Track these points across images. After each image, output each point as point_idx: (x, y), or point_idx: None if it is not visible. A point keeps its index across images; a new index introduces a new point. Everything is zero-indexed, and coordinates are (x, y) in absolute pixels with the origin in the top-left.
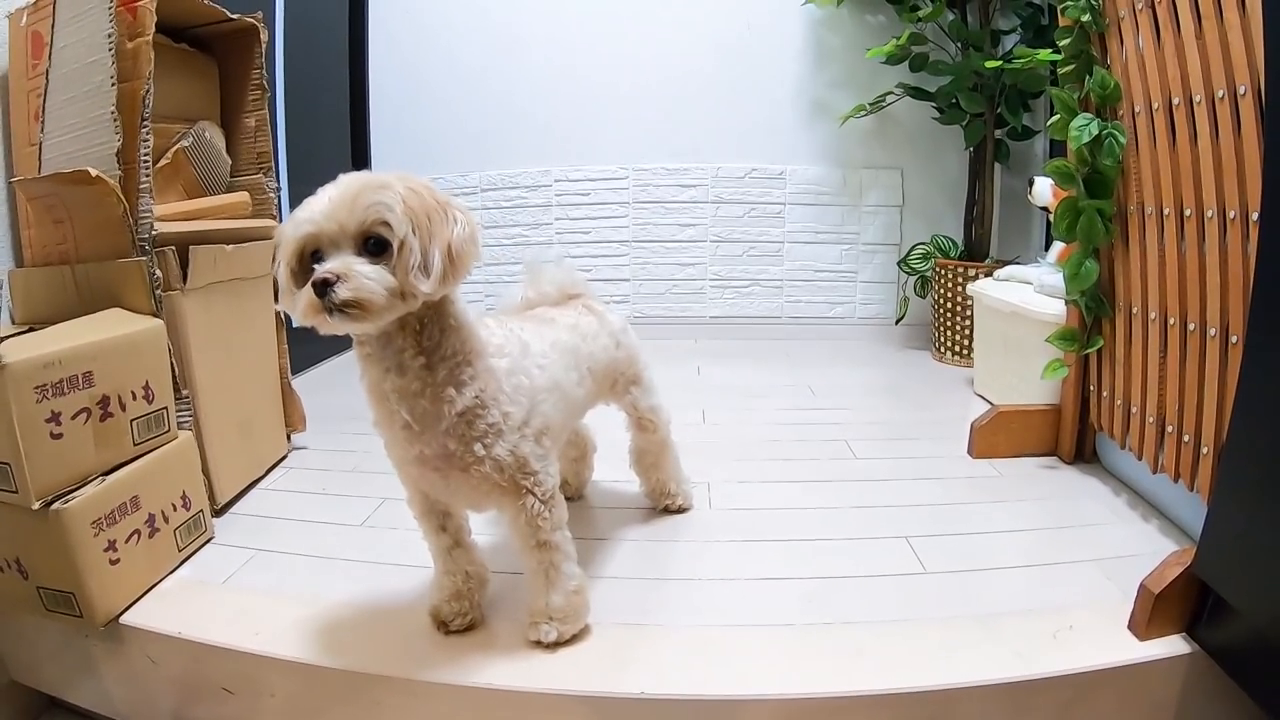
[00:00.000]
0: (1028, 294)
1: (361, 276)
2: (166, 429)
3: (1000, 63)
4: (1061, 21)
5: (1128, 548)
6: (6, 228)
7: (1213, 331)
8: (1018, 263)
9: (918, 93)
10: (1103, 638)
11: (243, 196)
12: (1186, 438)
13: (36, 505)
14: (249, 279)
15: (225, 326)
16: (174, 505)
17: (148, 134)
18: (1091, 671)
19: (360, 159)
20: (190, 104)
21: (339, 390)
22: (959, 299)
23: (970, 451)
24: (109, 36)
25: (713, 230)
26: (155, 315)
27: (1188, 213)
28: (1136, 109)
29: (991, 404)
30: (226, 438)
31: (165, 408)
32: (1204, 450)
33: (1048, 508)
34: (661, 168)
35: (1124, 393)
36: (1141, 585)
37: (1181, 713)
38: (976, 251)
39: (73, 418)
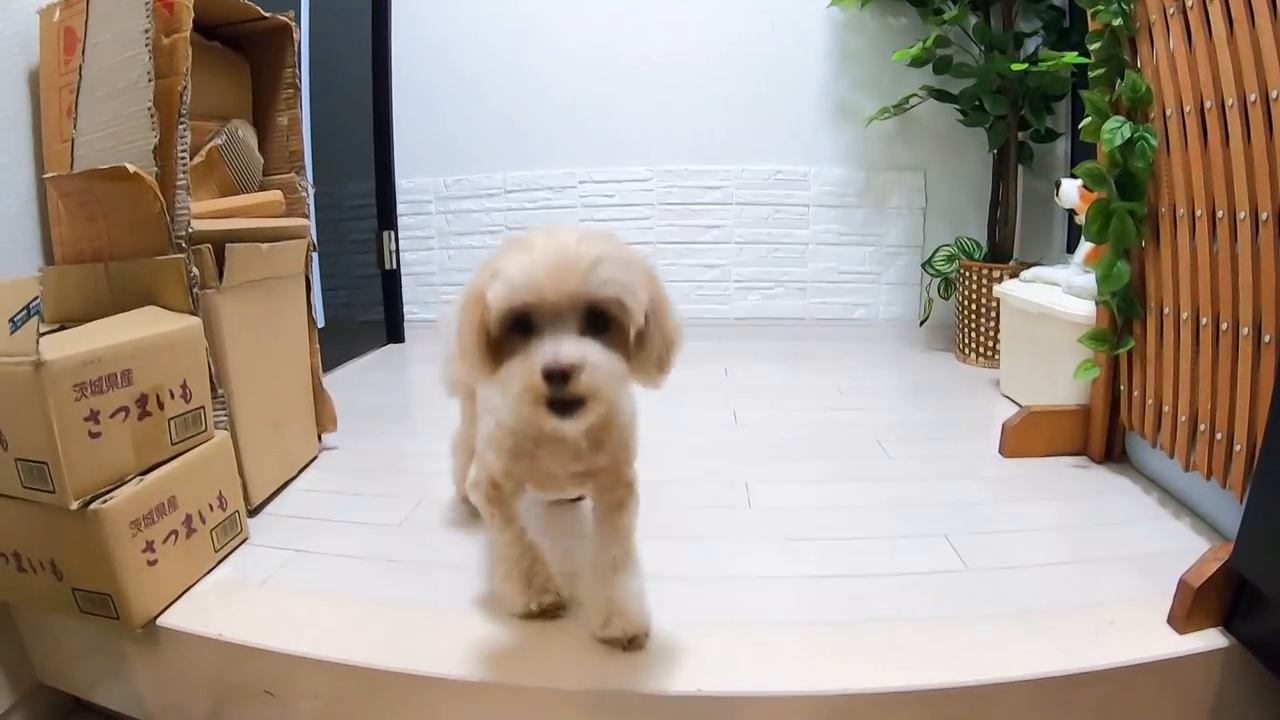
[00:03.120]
0: (1056, 295)
1: (600, 368)
2: (204, 428)
3: (1025, 65)
4: (1092, 25)
5: (1161, 545)
6: (37, 225)
7: (1245, 331)
8: (1042, 264)
9: (942, 95)
10: (1143, 632)
11: (276, 195)
12: (1219, 436)
13: (74, 505)
14: (283, 278)
15: (259, 325)
16: (211, 505)
17: (185, 131)
18: (1134, 665)
19: (384, 158)
20: (223, 102)
21: (370, 389)
22: (983, 301)
23: (1002, 450)
24: (145, 33)
25: (737, 232)
26: (192, 314)
27: (1220, 214)
28: (1168, 112)
29: (1019, 404)
30: (260, 438)
31: (202, 407)
32: (1236, 448)
33: (1081, 506)
34: (686, 169)
35: (1155, 392)
36: (1181, 580)
37: (1219, 705)
38: (1000, 253)
39: (111, 416)
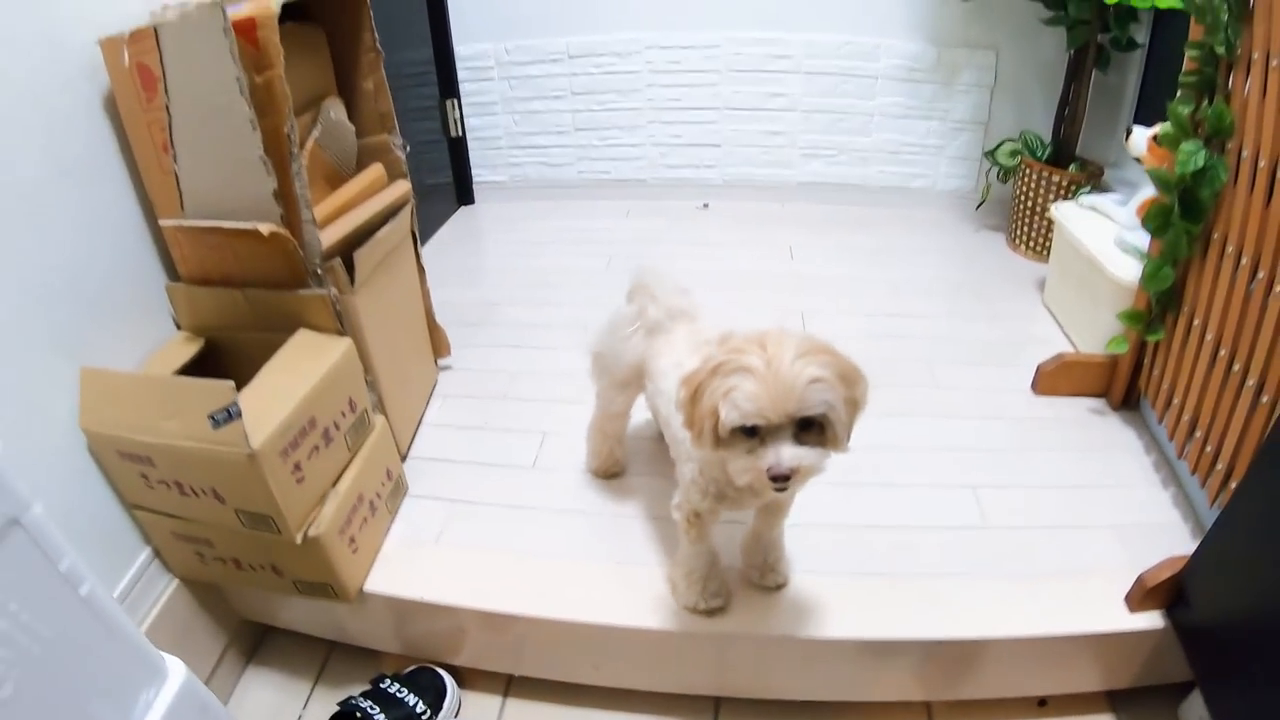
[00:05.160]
0: (1107, 245)
1: (811, 467)
2: (369, 425)
3: None
4: (1193, 33)
5: (1145, 516)
6: (152, 244)
7: (1250, 382)
8: (1103, 189)
9: None
10: (1106, 606)
11: (379, 171)
12: (1209, 448)
13: (299, 540)
14: (395, 246)
15: (384, 299)
16: (382, 483)
17: (300, 170)
18: (1096, 635)
19: (440, 25)
20: (310, 84)
21: (457, 280)
22: (1039, 199)
23: (1034, 387)
24: (237, 80)
25: (804, 100)
26: (340, 332)
27: (1260, 275)
28: (1244, 153)
29: (1057, 321)
30: (399, 396)
31: (365, 409)
32: (1219, 466)
33: (1089, 462)
34: (755, 37)
35: (1170, 380)
36: (1140, 577)
37: (1152, 671)
38: (1064, 151)
39: (308, 458)
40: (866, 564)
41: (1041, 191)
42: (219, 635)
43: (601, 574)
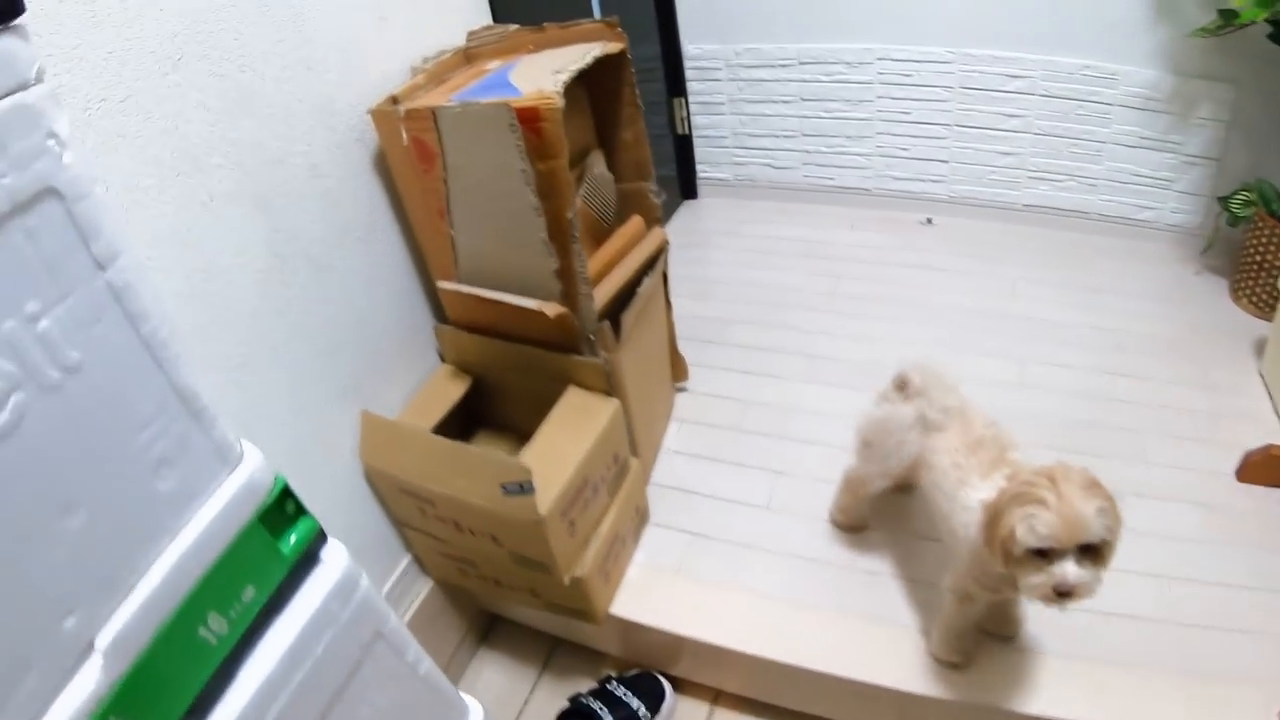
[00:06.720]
0: None
1: (1091, 586)
2: (627, 471)
3: None
4: None
5: None
6: (420, 290)
7: None
8: None
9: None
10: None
11: (639, 224)
12: None
13: (567, 581)
14: (652, 295)
15: (640, 345)
16: (632, 518)
17: (579, 249)
18: None
19: (667, 24)
20: (576, 140)
21: (688, 291)
22: (1269, 256)
23: (1237, 474)
24: (523, 171)
25: (1036, 123)
26: (608, 393)
27: None
28: None
29: (1271, 397)
30: (647, 430)
31: (626, 459)
32: None
33: (1269, 566)
34: (990, 55)
35: None
36: None
37: None
38: None
39: (580, 513)
40: (1047, 643)
41: (1272, 249)
42: (460, 623)
43: (820, 621)
